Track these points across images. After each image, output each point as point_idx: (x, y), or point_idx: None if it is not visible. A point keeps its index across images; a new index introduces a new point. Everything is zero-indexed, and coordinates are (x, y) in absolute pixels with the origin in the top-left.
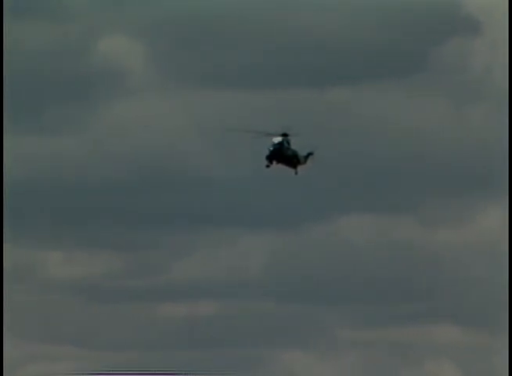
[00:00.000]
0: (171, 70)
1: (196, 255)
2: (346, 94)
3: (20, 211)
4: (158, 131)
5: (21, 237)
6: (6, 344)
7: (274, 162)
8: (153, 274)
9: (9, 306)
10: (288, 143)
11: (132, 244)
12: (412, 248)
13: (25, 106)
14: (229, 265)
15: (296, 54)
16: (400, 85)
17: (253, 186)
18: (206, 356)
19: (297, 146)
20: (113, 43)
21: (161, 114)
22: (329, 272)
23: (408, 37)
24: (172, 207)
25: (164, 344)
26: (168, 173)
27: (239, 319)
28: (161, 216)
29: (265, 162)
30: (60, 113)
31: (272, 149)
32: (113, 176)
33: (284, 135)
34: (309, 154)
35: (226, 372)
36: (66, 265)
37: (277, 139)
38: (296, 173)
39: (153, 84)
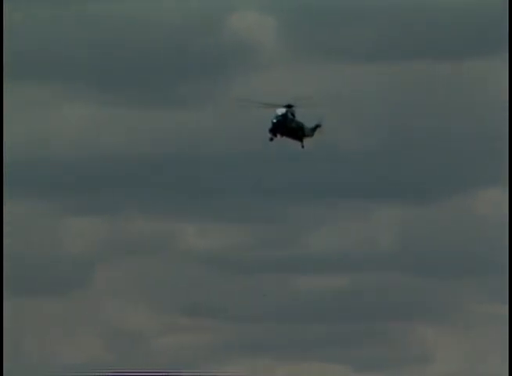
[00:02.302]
0: (302, 44)
1: (329, 228)
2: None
3: (153, 184)
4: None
5: (155, 211)
6: (146, 315)
7: (278, 135)
8: (286, 247)
9: (146, 279)
10: (293, 115)
11: (265, 216)
12: None
13: (159, 81)
14: (362, 238)
15: (419, 28)
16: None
17: (386, 158)
18: (338, 330)
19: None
20: (245, 18)
21: (292, 88)
22: (461, 245)
23: None
24: (306, 181)
25: (296, 316)
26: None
27: (372, 292)
28: (295, 189)
29: (269, 135)
30: (194, 88)
31: (275, 121)
32: (245, 150)
33: (288, 106)
34: (317, 126)
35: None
36: (200, 238)
37: (281, 111)
38: (302, 146)
39: (283, 58)
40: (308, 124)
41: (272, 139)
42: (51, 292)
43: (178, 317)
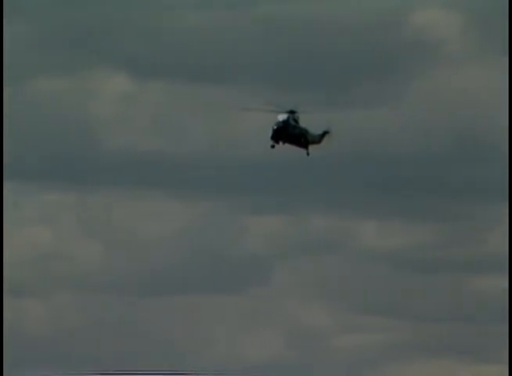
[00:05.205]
0: (486, 40)
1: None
2: None
3: (333, 183)
4: (471, 102)
5: (335, 209)
6: (321, 313)
7: (280, 142)
8: (468, 246)
9: (325, 278)
10: (296, 121)
11: (444, 215)
12: None
13: (339, 81)
14: None
15: None
16: None
17: None
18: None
19: None
20: (428, 15)
21: (476, 86)
22: None
23: None
24: (489, 180)
25: (477, 317)
26: (469, 146)
27: None
28: (477, 188)
29: (270, 142)
30: (375, 86)
31: (275, 128)
32: (424, 147)
33: (291, 112)
34: (325, 133)
35: None
36: (379, 236)
37: (282, 117)
38: (308, 154)
39: (467, 54)
40: (316, 130)
41: (273, 146)
42: (230, 291)
43: (357, 316)
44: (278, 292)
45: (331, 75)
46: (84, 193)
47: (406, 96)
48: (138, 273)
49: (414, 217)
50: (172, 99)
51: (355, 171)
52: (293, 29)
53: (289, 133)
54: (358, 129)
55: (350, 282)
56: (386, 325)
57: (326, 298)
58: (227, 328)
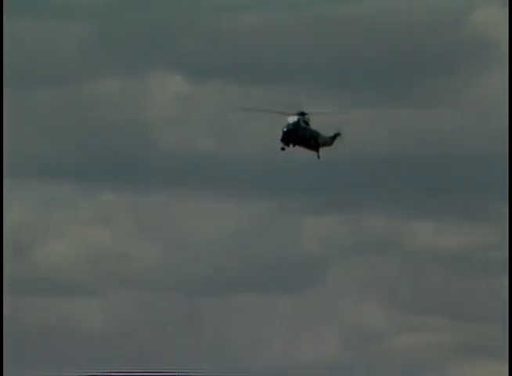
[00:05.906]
0: None
1: None
2: None
3: (390, 183)
4: None
5: (391, 209)
6: (374, 313)
7: (291, 145)
8: None
9: (380, 278)
10: (306, 123)
11: (500, 215)
12: None
13: (398, 80)
14: None
15: None
16: None
17: None
18: None
19: None
20: (487, 15)
21: None
22: None
23: None
24: None
25: None
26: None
27: None
28: None
29: (280, 144)
30: (432, 86)
31: (285, 130)
32: (482, 147)
33: (301, 114)
34: (336, 135)
35: None
36: (435, 236)
37: (292, 119)
38: (318, 157)
39: None
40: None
41: (283, 149)
42: (285, 290)
43: (413, 316)
44: (334, 292)
45: (387, 74)
46: (141, 193)
47: (465, 97)
48: (192, 274)
49: (470, 217)
50: (228, 99)
51: (413, 172)
52: (351, 30)
53: (299, 136)
54: (416, 129)
55: (406, 282)
56: (442, 325)
57: (383, 298)
58: (283, 328)
